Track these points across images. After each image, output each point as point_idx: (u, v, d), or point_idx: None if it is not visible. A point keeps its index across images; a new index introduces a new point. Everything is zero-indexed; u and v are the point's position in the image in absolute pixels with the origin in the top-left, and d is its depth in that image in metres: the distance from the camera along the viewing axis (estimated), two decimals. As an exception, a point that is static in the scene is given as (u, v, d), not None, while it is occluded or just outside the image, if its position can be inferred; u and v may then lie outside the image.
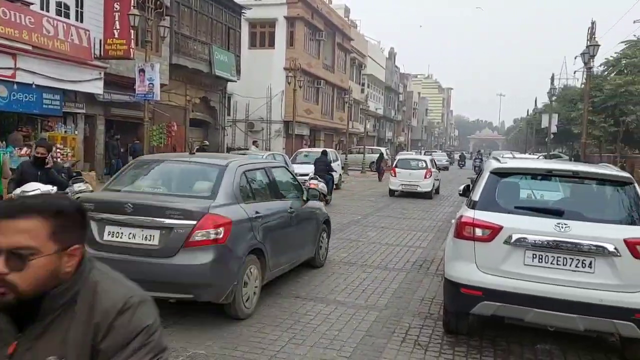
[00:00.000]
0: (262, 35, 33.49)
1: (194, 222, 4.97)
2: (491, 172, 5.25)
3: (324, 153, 18.10)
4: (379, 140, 57.66)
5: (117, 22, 16.87)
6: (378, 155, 33.48)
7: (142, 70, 14.41)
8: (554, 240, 4.57)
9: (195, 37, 22.90)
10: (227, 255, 5.16)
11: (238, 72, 26.45)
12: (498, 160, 5.83)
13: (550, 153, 38.92)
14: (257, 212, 5.79)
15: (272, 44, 33.11)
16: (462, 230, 4.95)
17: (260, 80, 31.12)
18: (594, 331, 4.71)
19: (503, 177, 5.26)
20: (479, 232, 4.85)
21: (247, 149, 24.14)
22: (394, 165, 21.39)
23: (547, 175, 5.28)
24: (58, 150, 15.98)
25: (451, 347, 5.06)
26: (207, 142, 19.69)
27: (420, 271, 8.09)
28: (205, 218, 5.02)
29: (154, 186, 5.93)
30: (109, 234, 5.16)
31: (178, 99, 22.67)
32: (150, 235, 5.04)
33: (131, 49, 16.97)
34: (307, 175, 19.82)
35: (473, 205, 5.08)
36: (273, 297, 6.42)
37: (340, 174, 23.41)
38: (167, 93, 21.43)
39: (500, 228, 4.75)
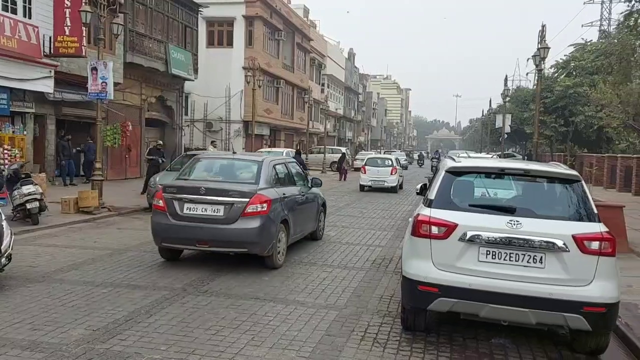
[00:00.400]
0: (220, 34, 33.09)
1: (248, 200, 7.42)
2: (446, 171, 5.35)
3: (298, 152, 22.94)
4: (339, 140, 57.96)
5: (67, 19, 16.31)
6: (340, 155, 33.72)
7: (94, 69, 13.92)
8: (507, 237, 4.69)
9: (151, 35, 22.40)
10: (269, 222, 7.54)
11: (195, 71, 26.05)
12: (453, 159, 5.94)
13: (505, 152, 40.08)
14: (283, 194, 8.25)
15: (230, 43, 32.76)
16: (419, 229, 5.02)
17: (218, 80, 30.74)
18: (545, 324, 4.86)
19: (458, 176, 5.37)
20: (435, 230, 4.93)
21: (205, 149, 23.79)
22: (363, 164, 23.98)
23: (499, 173, 5.42)
24: (6, 151, 15.33)
25: (409, 343, 5.12)
26: (161, 142, 19.21)
27: (379, 270, 8.16)
28: (255, 196, 7.48)
29: (214, 176, 8.42)
30: (187, 209, 7.53)
31: (133, 98, 22.12)
32: (217, 209, 7.45)
33: (83, 47, 16.43)
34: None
35: (429, 204, 5.17)
36: (232, 299, 6.34)
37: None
38: (122, 92, 20.88)
39: (456, 226, 4.84)
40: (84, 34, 16.22)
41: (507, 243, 4.70)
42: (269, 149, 25.25)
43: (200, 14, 27.24)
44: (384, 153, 38.02)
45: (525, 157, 41.19)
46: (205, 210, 7.46)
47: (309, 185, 9.82)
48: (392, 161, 23.72)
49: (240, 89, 31.41)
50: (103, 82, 13.83)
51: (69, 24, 16.27)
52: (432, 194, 5.27)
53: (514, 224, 4.74)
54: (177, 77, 24.44)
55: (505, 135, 39.85)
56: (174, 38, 24.35)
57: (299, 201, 8.99)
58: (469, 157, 11.60)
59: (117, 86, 19.50)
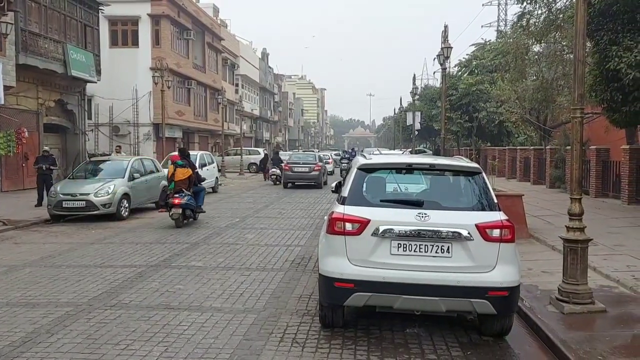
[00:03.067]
0: (125, 34, 31.57)
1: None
2: (358, 169, 5.43)
3: (276, 152, 28.73)
4: (256, 141, 57.50)
5: (-53, 16, 14.79)
6: (263, 156, 34.06)
7: (-19, 71, 12.75)
8: (416, 230, 4.83)
9: (47, 35, 20.86)
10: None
11: (98, 72, 24.61)
12: (364, 157, 6.05)
13: (416, 148, 41.74)
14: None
15: (136, 43, 31.35)
16: (334, 226, 5.05)
17: (124, 81, 29.31)
18: (455, 311, 5.07)
19: (369, 173, 5.47)
20: (349, 226, 4.97)
21: (109, 155, 22.56)
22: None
23: (408, 169, 5.58)
24: None
25: (327, 341, 5.13)
26: (47, 148, 17.65)
27: (298, 269, 8.13)
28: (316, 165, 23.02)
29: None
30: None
31: (29, 103, 20.50)
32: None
33: (-33, 47, 14.97)
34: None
35: (343, 201, 5.21)
36: (143, 310, 6.04)
37: (217, 177, 22.90)
38: (15, 96, 19.29)
39: (368, 221, 4.91)
40: (-33, 33, 14.79)
41: (417, 235, 4.84)
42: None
43: (101, 12, 25.78)
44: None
45: (434, 152, 43.18)
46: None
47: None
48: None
49: (148, 90, 30.11)
50: (-8, 85, 12.69)
51: (-51, 21, 14.77)
52: (345, 192, 5.33)
53: (422, 217, 4.89)
54: (78, 79, 22.97)
55: (416, 132, 41.51)
56: (72, 38, 22.85)
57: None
58: (381, 154, 11.94)
59: (10, 90, 18.02)
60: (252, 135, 55.95)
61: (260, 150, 41.08)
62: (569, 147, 18.42)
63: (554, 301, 5.89)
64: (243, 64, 51.72)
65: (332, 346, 5.01)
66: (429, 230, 4.82)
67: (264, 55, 65.90)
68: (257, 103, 58.83)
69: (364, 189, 5.37)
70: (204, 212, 13.38)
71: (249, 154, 38.85)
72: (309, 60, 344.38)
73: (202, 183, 13.93)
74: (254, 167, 37.12)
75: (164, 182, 14.81)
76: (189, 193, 12.31)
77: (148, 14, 31.20)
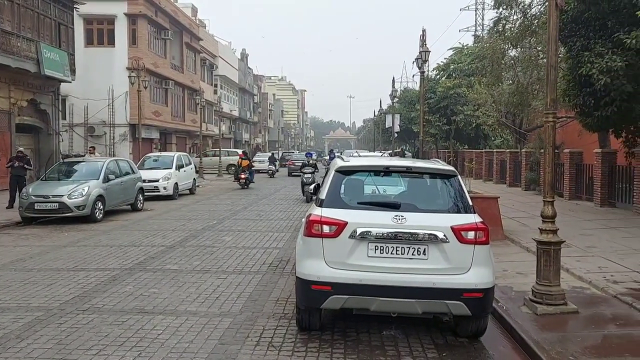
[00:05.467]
0: (100, 33, 31.08)
1: None
2: (336, 171, 5.43)
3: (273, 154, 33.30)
4: (235, 142, 57.15)
5: None
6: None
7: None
8: (393, 232, 4.85)
9: (19, 33, 20.38)
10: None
11: (73, 71, 24.15)
12: (342, 159, 6.05)
13: (395, 150, 41.99)
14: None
15: (112, 42, 30.89)
16: (311, 228, 5.03)
17: (100, 81, 28.84)
18: (431, 313, 5.10)
19: (347, 175, 5.47)
20: (326, 229, 4.97)
21: (82, 156, 22.11)
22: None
23: (385, 171, 5.60)
24: None
25: (304, 344, 5.11)
26: (21, 149, 17.27)
27: (276, 272, 8.09)
28: None
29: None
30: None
31: (0, 102, 20.02)
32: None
33: None
34: (157, 180, 18.96)
35: (320, 204, 5.20)
36: (116, 315, 5.93)
37: (194, 179, 22.69)
38: (-14, 95, 18.81)
39: (345, 224, 4.91)
40: None
41: (394, 237, 4.85)
42: (158, 154, 24.13)
43: (76, 10, 25.31)
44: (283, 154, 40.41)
45: (413, 155, 43.49)
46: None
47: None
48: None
49: (124, 90, 29.66)
50: (-39, 83, 12.35)
51: None
52: (322, 194, 5.32)
53: (399, 219, 4.91)
54: (51, 79, 22.51)
55: (396, 134, 41.79)
56: (46, 36, 22.38)
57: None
58: (359, 156, 11.96)
59: (-20, 89, 17.58)
60: (231, 136, 55.60)
61: (240, 151, 40.87)
62: (543, 150, 18.77)
63: (528, 302, 5.97)
64: (222, 65, 51.39)
65: (309, 349, 4.99)
66: (406, 233, 4.84)
67: (244, 56, 65.59)
68: (236, 104, 58.48)
69: (342, 191, 5.37)
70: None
71: (228, 155, 38.57)
72: (289, 61, 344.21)
73: (180, 185, 19.78)
74: (233, 168, 36.83)
75: (140, 184, 16.44)
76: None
77: (125, 13, 30.78)
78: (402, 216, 4.92)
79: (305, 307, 5.21)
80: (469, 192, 11.17)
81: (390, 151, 39.13)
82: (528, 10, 17.62)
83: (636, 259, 8.24)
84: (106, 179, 14.24)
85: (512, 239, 10.32)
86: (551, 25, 5.98)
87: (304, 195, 19.19)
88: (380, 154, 31.90)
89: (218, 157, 35.97)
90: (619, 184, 14.63)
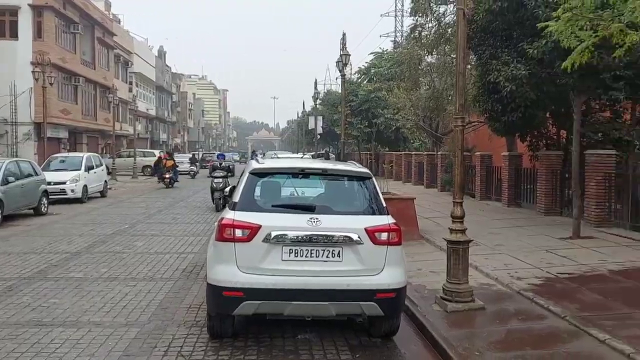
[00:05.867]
0: (1, 25, 28.68)
1: None
2: (250, 173, 5.29)
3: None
4: (152, 142, 55.02)
5: None
6: (157, 158, 32.65)
7: None
8: (308, 235, 4.79)
9: None
10: None
11: (-31, 65, 22.15)
12: (257, 160, 5.92)
13: (319, 152, 42.33)
14: None
15: (14, 35, 28.59)
16: (223, 232, 4.86)
17: (0, 76, 26.65)
18: (345, 314, 5.09)
19: (262, 177, 5.36)
20: (239, 233, 4.81)
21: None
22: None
23: (299, 173, 5.53)
24: None
25: (215, 352, 4.91)
26: None
27: (190, 278, 7.79)
28: None
29: None
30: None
31: None
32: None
33: None
34: (64, 183, 17.78)
35: (234, 207, 5.04)
36: (10, 328, 5.44)
37: (105, 181, 21.52)
38: None
39: (259, 227, 4.78)
40: None
41: (309, 240, 4.79)
42: (66, 154, 22.67)
43: (-27, -1, 23.26)
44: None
45: (336, 157, 44.01)
46: None
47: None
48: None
49: (29, 86, 27.58)
50: None
51: None
52: (236, 197, 5.17)
53: (314, 222, 4.86)
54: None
55: (318, 136, 42.11)
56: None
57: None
58: (278, 157, 11.86)
59: None
60: (147, 136, 53.48)
61: (157, 152, 39.41)
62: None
63: (439, 300, 6.15)
64: (138, 62, 49.30)
65: (220, 357, 4.81)
66: (321, 235, 4.80)
67: (161, 54, 63.43)
68: (153, 103, 56.35)
69: (256, 194, 5.24)
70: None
71: (144, 156, 37.03)
72: (210, 61, 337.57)
73: (89, 187, 19.09)
74: (149, 169, 35.41)
75: (44, 186, 15.54)
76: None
77: (29, 4, 28.64)
78: (317, 218, 4.87)
79: (216, 314, 5.03)
80: (386, 193, 11.43)
81: (314, 153, 39.40)
82: (442, 19, 18.39)
83: (538, 255, 8.76)
84: (5, 182, 13.15)
85: (427, 239, 10.66)
86: (460, 34, 6.20)
87: (213, 203, 16.61)
88: (302, 155, 32.00)
89: (133, 158, 34.39)
90: (524, 185, 15.60)
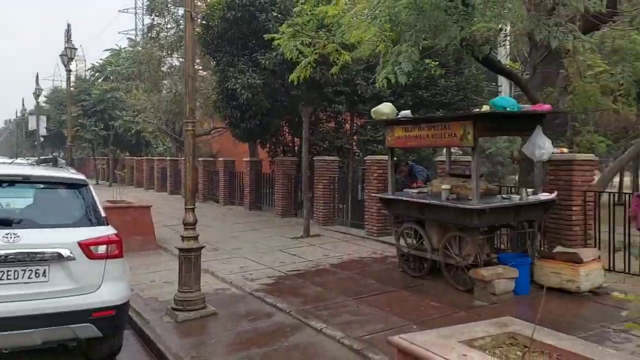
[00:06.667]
0: None
1: None
2: None
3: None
4: None
5: None
6: None
7: None
8: (2, 254, 4.01)
9: None
10: None
11: None
12: None
13: (45, 157, 37.38)
14: None
15: None
16: None
17: None
18: (54, 341, 4.41)
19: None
20: None
21: None
22: None
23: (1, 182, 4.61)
24: None
25: None
26: None
27: None
28: None
29: None
30: None
31: None
32: None
33: None
34: None
35: None
36: None
37: None
38: None
39: None
40: None
41: (3, 260, 4.02)
42: None
43: None
44: None
45: (66, 162, 39.53)
46: None
47: None
48: None
49: None
50: None
51: None
52: None
53: (11, 238, 4.11)
54: None
55: (42, 139, 37.22)
56: None
57: None
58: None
59: None
60: None
61: None
62: (201, 159, 19.64)
63: (170, 311, 5.89)
64: None
65: None
66: (20, 253, 4.08)
67: None
68: None
69: None
70: None
71: None
72: None
73: None
74: None
75: None
76: None
77: None
78: (14, 234, 4.13)
79: None
80: (120, 202, 10.64)
81: (37, 158, 34.71)
82: (181, 21, 18.14)
83: (273, 255, 9.25)
84: None
85: (165, 248, 10.24)
86: (187, 37, 6.07)
87: None
88: (10, 160, 27.76)
89: None
90: (265, 189, 16.47)
